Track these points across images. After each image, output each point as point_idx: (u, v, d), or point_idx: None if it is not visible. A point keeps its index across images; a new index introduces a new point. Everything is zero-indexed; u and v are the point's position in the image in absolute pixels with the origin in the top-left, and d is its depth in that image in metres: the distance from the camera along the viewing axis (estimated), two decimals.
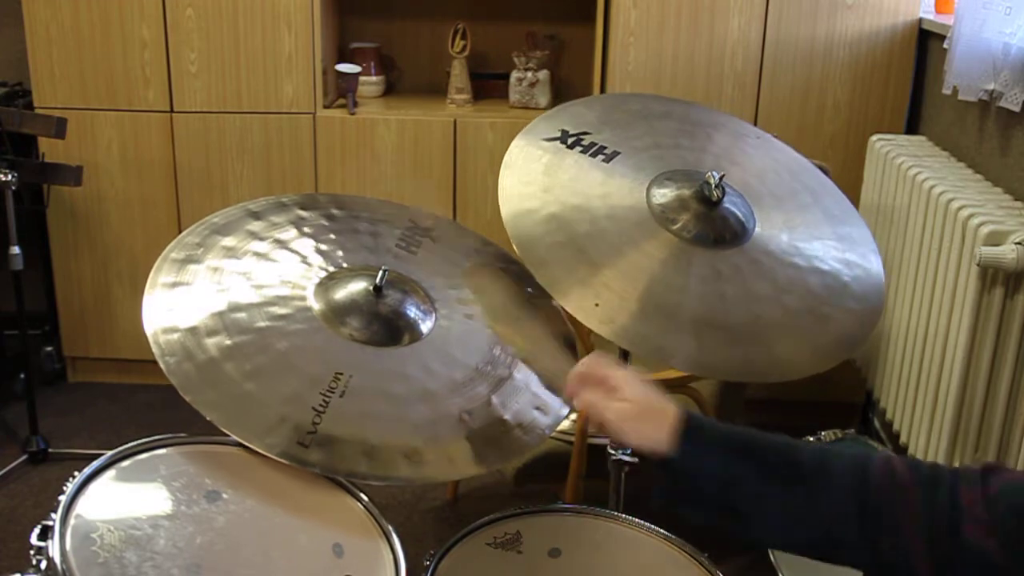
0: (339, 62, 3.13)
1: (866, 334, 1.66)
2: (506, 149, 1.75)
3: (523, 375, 1.61)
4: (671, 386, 2.24)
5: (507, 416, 1.53)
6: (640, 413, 1.17)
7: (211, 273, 1.57)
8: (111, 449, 1.36)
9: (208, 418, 1.37)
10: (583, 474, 2.25)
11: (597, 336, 1.55)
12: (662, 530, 1.55)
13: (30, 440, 2.80)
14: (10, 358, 3.26)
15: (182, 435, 1.42)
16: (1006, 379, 2.01)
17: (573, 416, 2.25)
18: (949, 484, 1.02)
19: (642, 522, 1.57)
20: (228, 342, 1.46)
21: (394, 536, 1.37)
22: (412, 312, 1.61)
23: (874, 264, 1.73)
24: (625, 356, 1.78)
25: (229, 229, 1.67)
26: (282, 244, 1.67)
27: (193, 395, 1.38)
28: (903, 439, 2.35)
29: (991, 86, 2.26)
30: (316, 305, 1.57)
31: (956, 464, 2.10)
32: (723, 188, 1.65)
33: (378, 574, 1.32)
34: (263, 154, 3.06)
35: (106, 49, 2.99)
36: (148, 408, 3.15)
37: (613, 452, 1.71)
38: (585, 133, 1.78)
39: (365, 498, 1.42)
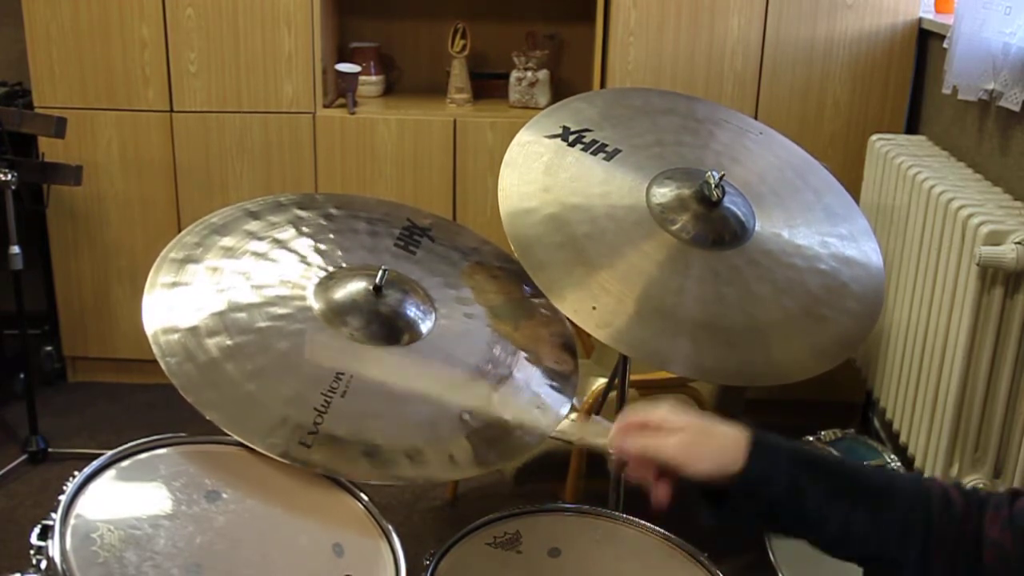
0: (339, 62, 3.13)
1: (865, 334, 1.66)
2: (506, 149, 1.74)
3: (523, 374, 1.61)
4: (670, 386, 2.24)
5: (507, 416, 1.53)
6: (699, 438, 1.13)
7: (210, 273, 1.57)
8: (111, 449, 1.36)
9: (209, 419, 1.37)
10: (583, 474, 2.25)
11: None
12: (662, 530, 1.55)
13: (30, 440, 2.80)
14: (10, 358, 3.26)
15: (182, 435, 1.42)
16: (1006, 379, 2.01)
17: (573, 415, 2.25)
18: (980, 510, 1.04)
19: (642, 522, 1.57)
20: (229, 342, 1.46)
21: (394, 536, 1.37)
22: (412, 312, 1.61)
23: (875, 262, 1.73)
24: (624, 360, 1.78)
25: (227, 229, 1.67)
26: (281, 244, 1.67)
27: (194, 396, 1.38)
28: (903, 439, 2.35)
29: (991, 86, 2.26)
30: (316, 305, 1.57)
31: (956, 464, 2.10)
32: (723, 188, 1.65)
33: (378, 574, 1.32)
34: (263, 154, 3.06)
35: (106, 49, 2.99)
36: (148, 408, 3.15)
37: (612, 452, 1.71)
38: (587, 130, 1.78)
39: (365, 498, 1.42)
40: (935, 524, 1.04)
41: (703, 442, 1.12)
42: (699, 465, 1.10)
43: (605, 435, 1.23)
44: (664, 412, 1.16)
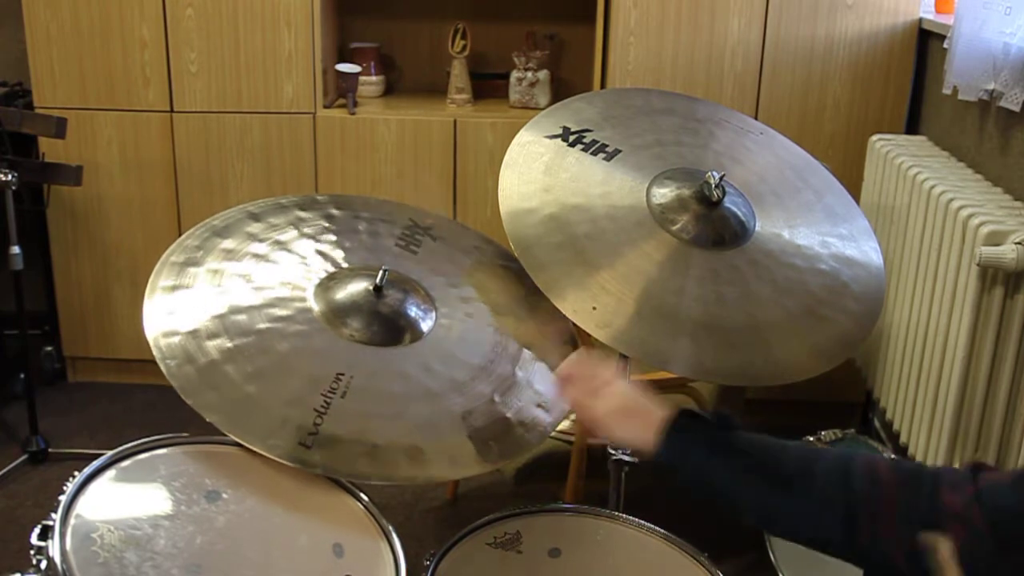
0: (339, 62, 3.13)
1: (865, 334, 1.66)
2: (506, 149, 1.74)
3: (524, 373, 1.61)
4: (670, 386, 2.24)
5: (508, 414, 1.53)
6: (626, 410, 1.22)
7: (211, 276, 1.57)
8: (111, 449, 1.36)
9: (209, 420, 1.37)
10: (583, 474, 2.25)
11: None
12: (662, 530, 1.55)
13: (30, 440, 2.80)
14: (10, 358, 3.26)
15: (182, 435, 1.43)
16: (1006, 379, 2.01)
17: (573, 415, 2.25)
18: (931, 484, 1.05)
19: (642, 522, 1.57)
20: (229, 344, 1.46)
21: (394, 536, 1.37)
22: (413, 311, 1.61)
23: (875, 262, 1.73)
24: (624, 360, 1.78)
25: (229, 231, 1.67)
26: (282, 245, 1.67)
27: (194, 398, 1.38)
28: (903, 439, 2.35)
29: (991, 86, 2.26)
30: (316, 306, 1.57)
31: (956, 465, 2.10)
32: (723, 188, 1.65)
33: (378, 574, 1.32)
34: (263, 154, 3.06)
35: (106, 49, 2.99)
36: (148, 408, 3.15)
37: (613, 452, 1.71)
38: (587, 130, 1.78)
39: (365, 498, 1.42)
40: (858, 501, 1.06)
41: (626, 415, 1.21)
42: (616, 435, 1.22)
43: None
44: (609, 377, 1.26)
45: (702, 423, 1.18)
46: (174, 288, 1.54)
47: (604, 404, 1.23)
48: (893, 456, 1.14)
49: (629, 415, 1.21)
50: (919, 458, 2.23)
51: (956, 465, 2.10)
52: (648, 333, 1.53)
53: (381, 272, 1.58)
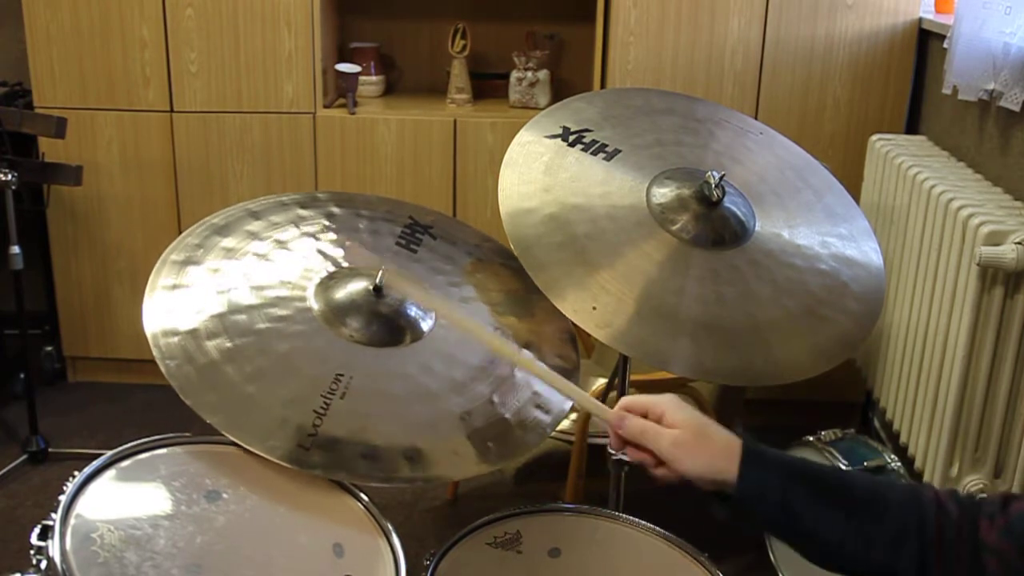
0: (339, 62, 3.13)
1: (865, 334, 1.66)
2: (506, 149, 1.74)
3: (523, 374, 1.61)
4: (670, 386, 2.24)
5: (507, 415, 1.53)
6: (694, 440, 1.12)
7: (211, 275, 1.57)
8: (111, 449, 1.36)
9: (209, 421, 1.37)
10: (583, 474, 2.25)
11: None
12: (662, 530, 1.55)
13: (30, 440, 2.80)
14: (10, 358, 3.26)
15: (182, 435, 1.42)
16: (1006, 379, 2.01)
17: (573, 416, 2.25)
18: (974, 517, 1.04)
19: (642, 522, 1.57)
20: (228, 344, 1.46)
21: (394, 536, 1.37)
22: (412, 311, 1.61)
23: (875, 262, 1.73)
24: (624, 360, 1.78)
25: (229, 230, 1.66)
26: (282, 244, 1.66)
27: (194, 398, 1.38)
28: (903, 439, 2.35)
29: (991, 86, 2.26)
30: (316, 306, 1.56)
31: (956, 464, 2.10)
32: (723, 188, 1.65)
33: (378, 574, 1.32)
34: (263, 154, 3.06)
35: (106, 49, 2.99)
36: (148, 408, 3.15)
37: (613, 452, 1.71)
38: (587, 130, 1.78)
39: (365, 498, 1.42)
40: (931, 530, 1.04)
41: (697, 444, 1.12)
42: (688, 466, 1.11)
43: (601, 411, 1.25)
44: (666, 406, 1.16)
45: (769, 449, 1.12)
46: (174, 287, 1.54)
47: (671, 435, 1.13)
48: (952, 490, 1.11)
49: (698, 444, 1.12)
50: (919, 458, 2.23)
51: (955, 465, 2.10)
52: (648, 333, 1.52)
53: (381, 272, 1.57)
